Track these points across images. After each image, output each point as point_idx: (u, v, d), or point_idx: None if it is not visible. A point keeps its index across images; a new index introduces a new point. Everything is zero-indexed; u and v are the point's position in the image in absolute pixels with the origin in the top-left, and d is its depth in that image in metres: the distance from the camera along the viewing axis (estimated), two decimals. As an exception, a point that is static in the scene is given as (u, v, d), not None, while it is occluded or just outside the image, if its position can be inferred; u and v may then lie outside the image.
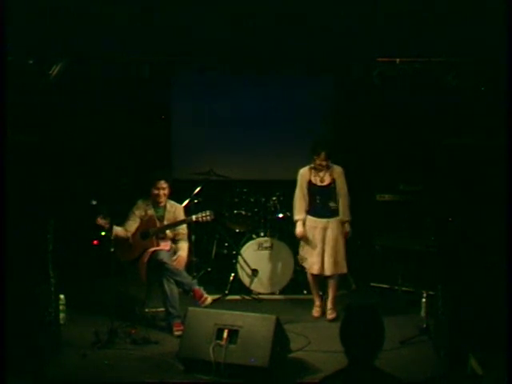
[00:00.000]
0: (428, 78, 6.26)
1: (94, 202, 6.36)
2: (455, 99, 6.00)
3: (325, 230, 6.23)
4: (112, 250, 6.27)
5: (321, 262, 6.22)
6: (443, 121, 6.81)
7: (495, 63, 5.35)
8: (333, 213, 6.25)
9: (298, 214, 6.34)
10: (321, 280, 6.42)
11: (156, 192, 6.25)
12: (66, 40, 5.54)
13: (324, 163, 6.19)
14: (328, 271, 6.22)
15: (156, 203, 6.32)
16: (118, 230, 6.17)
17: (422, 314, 6.03)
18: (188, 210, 6.76)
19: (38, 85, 5.55)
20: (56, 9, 5.36)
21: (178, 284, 6.09)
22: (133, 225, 6.30)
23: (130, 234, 6.26)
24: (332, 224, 6.23)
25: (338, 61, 6.93)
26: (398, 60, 6.05)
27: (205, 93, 8.46)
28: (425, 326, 5.87)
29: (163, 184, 6.26)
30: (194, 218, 6.25)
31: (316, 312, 6.42)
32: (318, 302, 6.45)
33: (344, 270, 6.32)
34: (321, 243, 6.23)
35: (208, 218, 6.21)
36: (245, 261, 7.18)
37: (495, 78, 5.39)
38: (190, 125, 8.57)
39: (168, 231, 6.33)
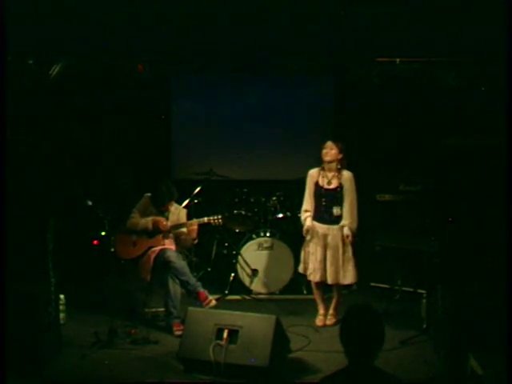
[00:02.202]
0: (428, 78, 6.26)
1: (90, 203, 6.38)
2: (455, 99, 6.00)
3: (325, 236, 6.05)
4: (112, 249, 6.29)
5: (323, 270, 6.06)
6: (443, 121, 6.82)
7: (495, 63, 5.35)
8: (335, 220, 6.04)
9: (305, 208, 6.16)
10: (325, 285, 6.25)
11: (165, 208, 6.37)
12: (66, 40, 5.54)
13: (327, 151, 5.98)
14: (329, 280, 6.07)
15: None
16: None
17: (422, 314, 6.02)
18: (188, 210, 6.76)
19: (38, 85, 5.55)
20: (56, 9, 5.37)
21: (183, 284, 6.09)
22: (136, 217, 6.33)
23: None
24: (333, 231, 6.04)
25: (337, 61, 6.93)
26: (397, 60, 6.06)
27: (205, 93, 8.46)
28: (425, 326, 5.88)
29: (172, 202, 6.40)
30: (206, 219, 6.28)
31: (319, 321, 6.24)
32: (321, 311, 6.28)
33: (346, 280, 6.09)
34: (322, 250, 6.05)
35: (220, 221, 6.29)
36: (245, 261, 7.18)
37: (495, 78, 5.39)
38: (190, 125, 8.56)
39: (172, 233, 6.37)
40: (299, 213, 6.47)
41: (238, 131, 8.50)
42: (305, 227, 6.15)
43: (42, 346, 5.20)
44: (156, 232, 6.23)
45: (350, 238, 6.03)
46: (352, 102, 8.22)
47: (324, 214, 6.08)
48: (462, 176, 5.24)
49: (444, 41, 5.63)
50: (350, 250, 6.07)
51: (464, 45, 5.60)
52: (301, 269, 6.31)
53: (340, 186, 6.03)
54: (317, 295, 6.30)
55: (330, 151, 6.02)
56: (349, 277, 6.10)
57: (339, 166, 6.06)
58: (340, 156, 6.03)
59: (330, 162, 6.03)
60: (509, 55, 4.69)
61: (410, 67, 6.23)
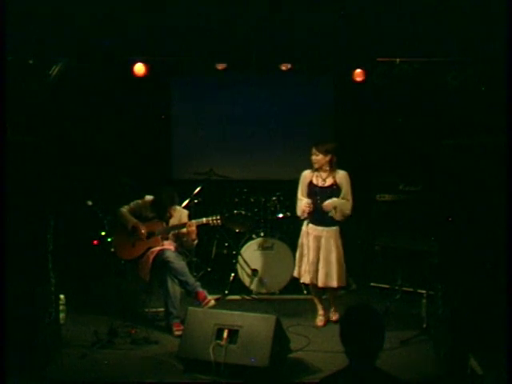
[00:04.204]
0: (428, 78, 6.26)
1: (90, 203, 6.36)
2: (455, 99, 6.01)
3: (318, 238, 6.05)
4: (112, 250, 6.29)
5: (314, 272, 6.06)
6: (443, 121, 6.82)
7: (495, 63, 5.35)
8: (329, 222, 6.03)
9: (301, 198, 6.15)
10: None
11: (168, 215, 6.36)
12: (66, 40, 5.54)
13: (314, 158, 6.01)
14: (320, 282, 6.06)
15: None
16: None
17: (422, 314, 6.02)
18: (188, 210, 6.76)
19: (38, 85, 5.55)
20: (56, 9, 5.37)
21: (182, 284, 6.10)
22: (127, 209, 6.37)
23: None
24: (327, 233, 6.04)
25: (338, 61, 6.94)
26: (397, 60, 6.06)
27: (205, 93, 8.46)
28: (425, 326, 5.88)
29: (173, 207, 6.39)
30: (204, 220, 6.28)
31: (320, 321, 6.25)
32: (321, 311, 6.29)
33: (335, 283, 6.05)
34: (314, 252, 6.05)
35: (219, 221, 6.30)
36: (245, 261, 7.18)
37: (495, 77, 5.39)
38: (190, 125, 8.57)
39: (171, 234, 6.36)
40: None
41: (238, 131, 8.51)
42: (306, 202, 6.07)
43: (42, 346, 5.20)
44: (153, 233, 6.24)
45: (327, 204, 5.96)
46: (352, 101, 8.22)
47: (319, 214, 6.05)
48: (461, 176, 5.23)
49: (444, 41, 5.63)
50: (339, 253, 6.07)
51: (464, 45, 5.59)
52: (296, 273, 6.32)
53: (335, 184, 6.05)
54: (315, 296, 6.31)
55: (316, 157, 6.05)
56: (337, 280, 6.06)
57: (328, 168, 6.06)
58: (328, 158, 6.03)
59: (319, 167, 6.07)
60: (509, 55, 4.69)
61: (410, 67, 6.23)
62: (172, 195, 6.37)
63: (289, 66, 7.16)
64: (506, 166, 4.74)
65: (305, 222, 6.18)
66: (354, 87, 7.82)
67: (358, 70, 6.88)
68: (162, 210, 6.32)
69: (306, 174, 6.18)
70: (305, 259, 6.14)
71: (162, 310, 6.22)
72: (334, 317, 6.29)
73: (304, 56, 6.53)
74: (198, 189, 7.63)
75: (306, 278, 6.17)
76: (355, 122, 8.22)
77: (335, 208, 5.99)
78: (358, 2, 5.63)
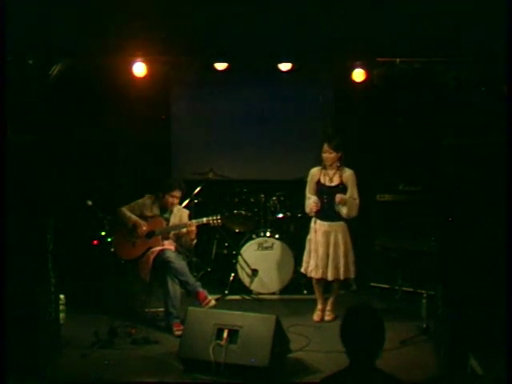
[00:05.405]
0: (428, 78, 6.26)
1: (90, 203, 6.37)
2: (455, 99, 6.00)
3: (327, 233, 6.12)
4: (112, 250, 6.30)
5: (324, 267, 6.12)
6: (443, 121, 6.81)
7: (495, 63, 5.34)
8: (337, 217, 6.11)
9: (309, 196, 6.20)
10: (325, 284, 6.32)
11: (170, 200, 6.34)
12: (66, 40, 5.54)
13: (327, 156, 6.07)
14: (330, 276, 6.13)
15: (165, 207, 6.36)
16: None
17: (422, 314, 6.03)
18: (189, 211, 6.75)
19: (38, 85, 5.54)
20: (56, 9, 5.36)
21: (182, 284, 6.10)
22: (128, 209, 6.37)
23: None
24: (335, 228, 6.12)
25: (337, 61, 6.93)
26: (397, 60, 6.05)
27: (205, 93, 8.45)
28: (425, 326, 5.88)
29: (178, 193, 6.36)
30: (204, 220, 6.29)
31: (317, 316, 6.33)
32: (320, 306, 6.35)
33: (344, 275, 6.17)
34: (324, 247, 6.11)
35: (219, 221, 6.30)
36: (245, 261, 7.18)
37: (495, 77, 5.39)
38: (190, 125, 8.56)
39: (171, 234, 6.36)
40: (299, 213, 6.47)
41: (238, 131, 8.50)
42: (313, 201, 6.12)
43: (42, 346, 5.21)
44: (154, 233, 6.24)
45: (340, 197, 6.01)
46: (352, 101, 8.21)
47: (327, 212, 6.13)
48: (462, 176, 5.23)
49: (444, 41, 5.62)
50: (347, 247, 6.14)
51: (464, 45, 5.59)
52: (303, 269, 6.35)
53: (342, 183, 6.08)
54: (317, 292, 6.35)
55: (330, 155, 6.09)
56: (348, 272, 6.17)
57: (339, 164, 6.12)
58: (339, 154, 6.09)
59: (331, 165, 6.12)
60: (509, 55, 4.69)
61: (410, 67, 6.22)
62: (180, 181, 6.39)
63: (289, 66, 7.15)
64: (506, 166, 4.74)
65: (313, 219, 6.22)
66: (354, 87, 7.81)
67: (358, 70, 6.87)
68: (166, 189, 6.29)
69: (315, 172, 6.21)
70: (314, 254, 6.18)
71: (161, 310, 6.23)
72: (329, 317, 6.31)
73: (304, 56, 6.52)
74: (198, 189, 7.63)
75: (315, 273, 6.20)
76: (355, 121, 8.21)
77: (345, 204, 6.00)
78: (358, 2, 5.62)
